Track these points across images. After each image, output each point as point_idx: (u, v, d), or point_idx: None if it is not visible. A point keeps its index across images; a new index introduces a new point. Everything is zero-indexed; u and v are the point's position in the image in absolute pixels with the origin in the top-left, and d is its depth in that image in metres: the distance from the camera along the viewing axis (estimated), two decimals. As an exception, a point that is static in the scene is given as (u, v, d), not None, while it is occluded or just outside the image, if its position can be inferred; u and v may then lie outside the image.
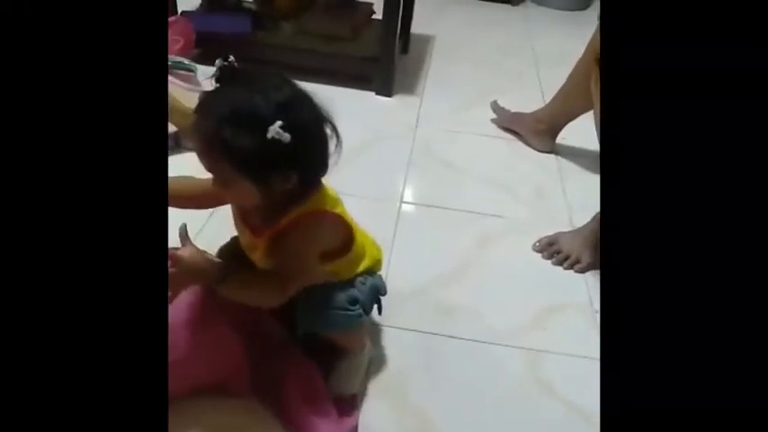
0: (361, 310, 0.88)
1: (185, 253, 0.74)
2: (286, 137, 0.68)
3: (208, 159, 0.74)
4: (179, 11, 1.91)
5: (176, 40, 1.72)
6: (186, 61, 1.61)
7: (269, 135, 0.68)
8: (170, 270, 0.73)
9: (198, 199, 0.87)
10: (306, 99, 0.74)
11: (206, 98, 0.73)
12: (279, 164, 0.72)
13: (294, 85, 0.75)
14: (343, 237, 0.85)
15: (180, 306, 0.83)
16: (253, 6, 1.98)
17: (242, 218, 0.85)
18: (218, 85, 0.73)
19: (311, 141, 0.74)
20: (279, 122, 0.68)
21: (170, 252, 0.72)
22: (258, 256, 0.85)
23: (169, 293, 0.76)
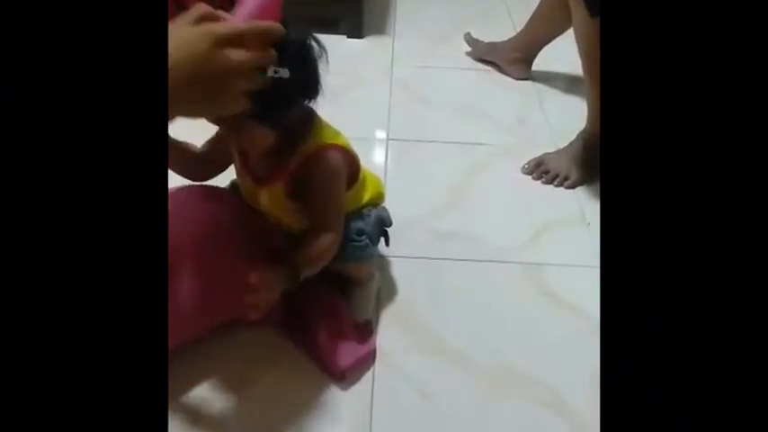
0: (367, 241, 0.90)
1: (258, 277, 0.73)
2: (285, 72, 0.67)
3: None
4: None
5: None
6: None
7: (268, 75, 0.66)
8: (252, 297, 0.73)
9: (203, 166, 0.88)
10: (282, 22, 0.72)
11: None
12: (285, 98, 0.71)
13: None
14: (350, 168, 0.86)
15: (214, 243, 0.84)
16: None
17: (244, 167, 0.85)
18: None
19: (306, 64, 0.73)
20: None
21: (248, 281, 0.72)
22: (263, 202, 0.86)
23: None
